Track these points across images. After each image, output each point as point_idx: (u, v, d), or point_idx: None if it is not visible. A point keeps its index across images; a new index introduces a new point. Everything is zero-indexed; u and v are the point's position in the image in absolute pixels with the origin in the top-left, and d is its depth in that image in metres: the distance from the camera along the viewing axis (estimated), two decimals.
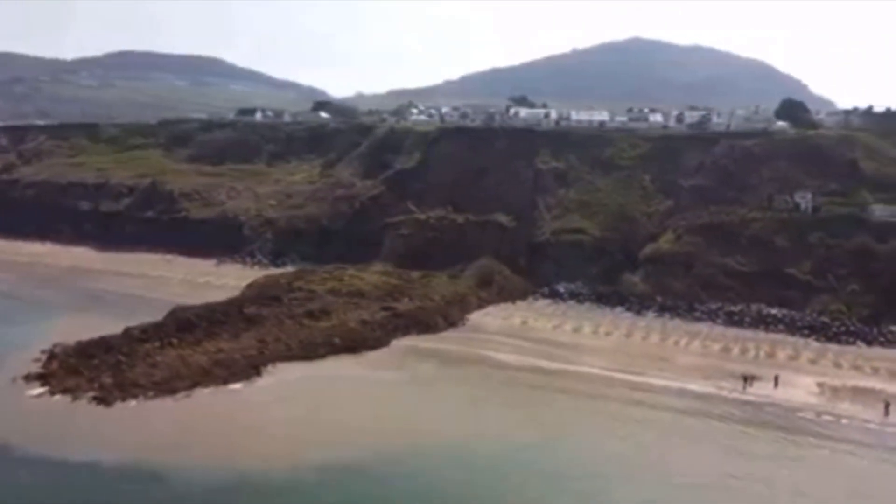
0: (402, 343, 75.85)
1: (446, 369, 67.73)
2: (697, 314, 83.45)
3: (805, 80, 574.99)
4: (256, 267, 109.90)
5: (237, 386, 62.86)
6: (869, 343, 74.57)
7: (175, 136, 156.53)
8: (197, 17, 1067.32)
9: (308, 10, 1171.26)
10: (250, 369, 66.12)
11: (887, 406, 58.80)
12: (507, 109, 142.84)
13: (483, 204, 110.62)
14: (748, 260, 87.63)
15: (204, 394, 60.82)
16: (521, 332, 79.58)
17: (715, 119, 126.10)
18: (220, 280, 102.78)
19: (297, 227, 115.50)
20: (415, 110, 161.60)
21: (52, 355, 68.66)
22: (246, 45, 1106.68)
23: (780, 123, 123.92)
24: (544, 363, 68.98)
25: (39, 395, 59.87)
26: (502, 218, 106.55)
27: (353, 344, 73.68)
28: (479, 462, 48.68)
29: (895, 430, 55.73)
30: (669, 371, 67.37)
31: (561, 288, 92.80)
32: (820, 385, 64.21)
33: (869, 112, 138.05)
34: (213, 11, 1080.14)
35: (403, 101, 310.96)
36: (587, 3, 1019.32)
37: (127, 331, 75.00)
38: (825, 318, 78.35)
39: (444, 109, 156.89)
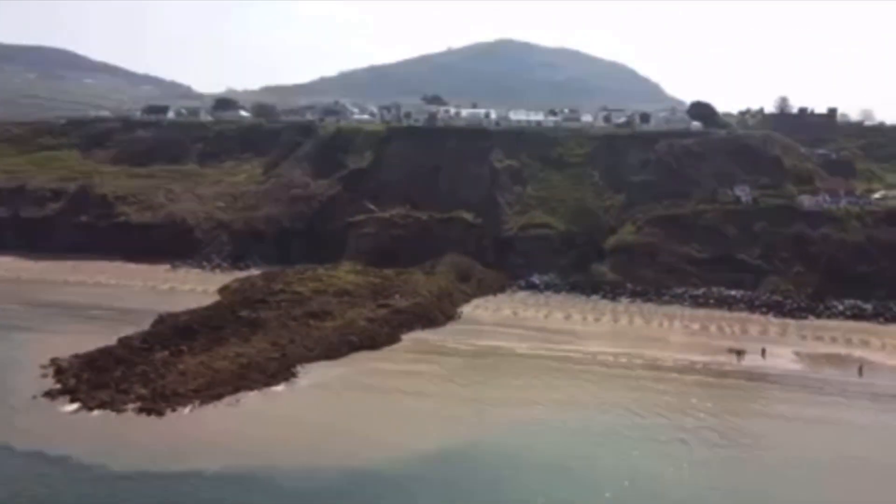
0: (412, 337, 77.82)
1: (473, 359, 70.83)
2: (666, 298, 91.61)
3: (659, 82, 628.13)
4: (217, 271, 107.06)
5: (279, 388, 62.78)
6: (818, 316, 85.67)
7: (91, 136, 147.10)
8: (33, 7, 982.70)
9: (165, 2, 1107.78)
10: (285, 371, 66.01)
11: (861, 368, 68.90)
12: (431, 109, 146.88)
13: (441, 202, 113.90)
14: (704, 248, 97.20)
15: (252, 397, 60.39)
16: (518, 322, 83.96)
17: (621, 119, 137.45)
18: (184, 285, 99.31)
19: (256, 229, 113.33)
20: (355, 109, 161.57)
21: (59, 370, 65.05)
22: (97, 37, 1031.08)
23: (695, 123, 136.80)
24: (560, 349, 73.74)
25: (76, 412, 56.92)
26: (465, 215, 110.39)
27: (370, 341, 74.96)
28: (586, 439, 53.17)
29: (870, 384, 65.88)
30: (670, 349, 74.31)
31: (536, 279, 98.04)
32: (797, 354, 73.73)
33: (761, 113, 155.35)
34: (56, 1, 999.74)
35: (276, 97, 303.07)
36: (458, 4, 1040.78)
37: (123, 341, 72.34)
38: (778, 297, 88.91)
39: (373, 109, 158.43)
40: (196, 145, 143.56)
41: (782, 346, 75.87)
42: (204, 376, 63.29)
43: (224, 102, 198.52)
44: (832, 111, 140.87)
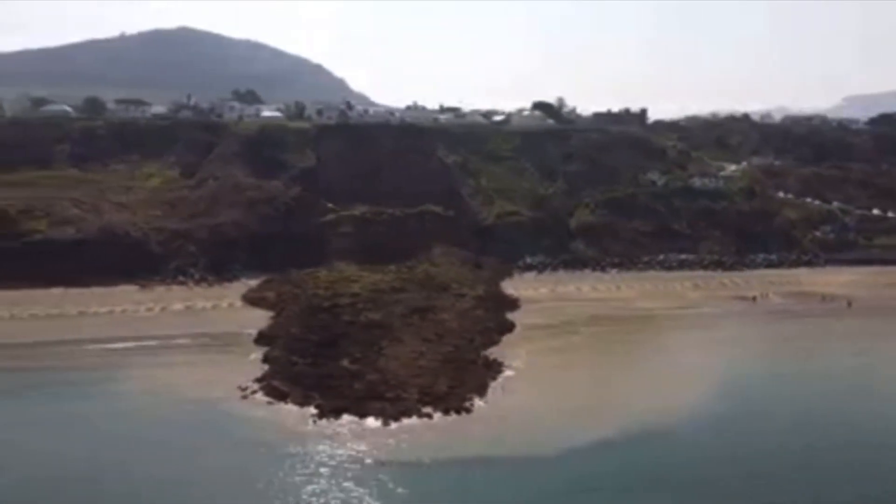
0: (521, 320, 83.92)
1: (612, 325, 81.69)
2: (640, 266, 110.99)
3: (344, 78, 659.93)
4: (204, 284, 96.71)
5: (511, 374, 66.26)
6: (748, 268, 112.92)
7: None
8: None
9: None
10: (490, 361, 68.93)
11: (823, 297, 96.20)
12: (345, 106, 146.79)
13: (397, 197, 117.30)
14: (646, 223, 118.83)
15: (509, 383, 64.02)
16: (566, 297, 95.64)
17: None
18: (200, 303, 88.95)
19: (228, 237, 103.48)
20: (261, 105, 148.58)
21: (279, 393, 59.67)
22: None
23: (550, 121, 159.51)
24: (638, 311, 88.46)
25: (384, 425, 54.76)
26: (434, 208, 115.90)
27: (502, 327, 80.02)
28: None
29: (834, 307, 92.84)
30: (698, 303, 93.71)
31: (531, 261, 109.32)
32: (777, 294, 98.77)
33: (574, 112, 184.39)
34: None
35: None
36: None
37: (277, 358, 67.29)
38: (715, 257, 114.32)
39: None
40: (61, 146, 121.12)
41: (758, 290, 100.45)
42: (438, 374, 63.90)
43: None
44: (643, 111, 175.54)
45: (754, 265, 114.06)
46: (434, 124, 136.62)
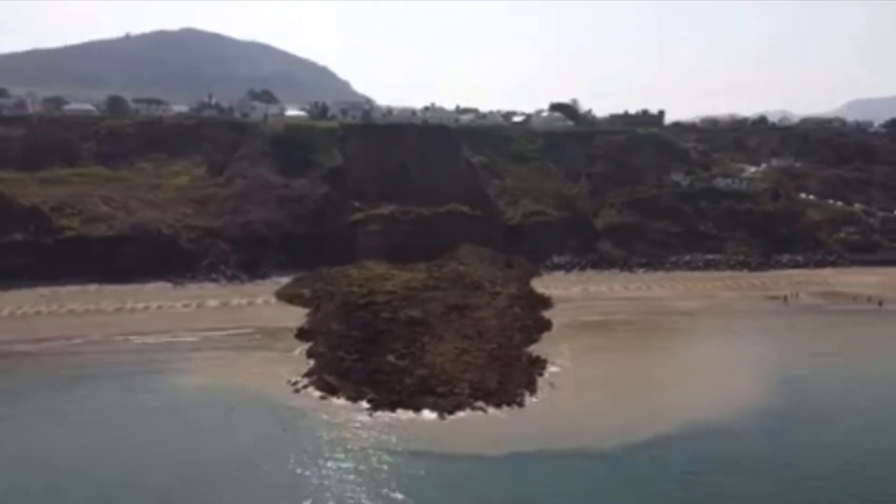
0: (557, 319, 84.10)
1: (650, 324, 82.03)
2: (667, 266, 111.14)
3: (348, 79, 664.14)
4: (237, 281, 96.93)
5: (557, 370, 66.58)
6: (773, 268, 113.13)
7: None
8: None
9: None
10: (534, 357, 69.14)
11: (855, 298, 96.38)
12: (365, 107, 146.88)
13: (423, 196, 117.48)
14: (672, 223, 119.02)
15: (558, 379, 64.18)
16: (598, 296, 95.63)
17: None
18: (234, 300, 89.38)
19: (258, 235, 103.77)
20: (286, 105, 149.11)
21: (331, 388, 59.97)
22: None
23: (570, 122, 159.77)
24: (679, 310, 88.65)
25: (439, 418, 55.16)
26: (462, 208, 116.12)
27: (541, 325, 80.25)
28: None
29: (865, 307, 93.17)
30: (730, 302, 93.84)
31: (559, 260, 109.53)
32: (807, 294, 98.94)
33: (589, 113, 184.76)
34: None
35: None
36: None
37: (324, 353, 67.61)
38: (741, 257, 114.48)
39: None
40: (87, 145, 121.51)
41: (790, 290, 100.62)
42: (484, 370, 64.14)
43: None
44: (661, 112, 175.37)
45: (780, 265, 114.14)
46: (457, 125, 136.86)
